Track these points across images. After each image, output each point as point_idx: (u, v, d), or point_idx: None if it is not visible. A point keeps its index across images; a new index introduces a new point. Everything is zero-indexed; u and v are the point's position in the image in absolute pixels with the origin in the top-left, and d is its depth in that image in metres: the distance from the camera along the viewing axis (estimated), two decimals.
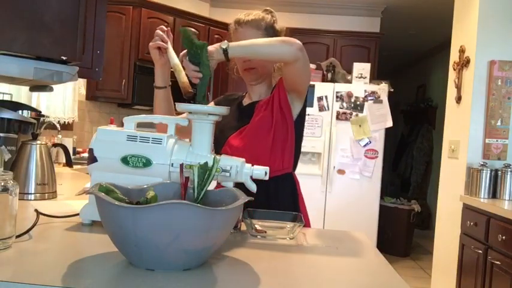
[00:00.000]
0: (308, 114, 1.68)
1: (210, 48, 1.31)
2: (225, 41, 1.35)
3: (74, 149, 3.95)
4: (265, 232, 1.26)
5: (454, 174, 3.33)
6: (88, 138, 4.34)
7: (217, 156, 1.13)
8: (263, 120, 1.57)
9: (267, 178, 1.21)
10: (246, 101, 1.71)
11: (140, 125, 1.22)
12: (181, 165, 1.04)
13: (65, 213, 1.27)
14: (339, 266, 1.08)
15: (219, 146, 1.62)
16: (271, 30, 1.62)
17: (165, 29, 1.46)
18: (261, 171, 1.23)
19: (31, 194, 1.60)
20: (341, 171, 4.20)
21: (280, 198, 1.56)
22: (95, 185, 0.94)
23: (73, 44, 1.55)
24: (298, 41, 1.44)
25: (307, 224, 1.56)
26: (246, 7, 5.09)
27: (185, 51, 1.32)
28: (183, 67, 1.34)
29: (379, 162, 4.20)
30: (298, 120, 1.61)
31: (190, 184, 1.03)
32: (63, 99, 4.08)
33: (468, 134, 3.16)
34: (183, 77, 1.33)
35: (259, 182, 1.30)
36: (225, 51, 1.32)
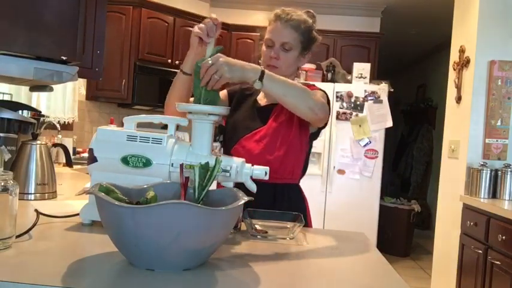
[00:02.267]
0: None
1: (247, 65, 1.30)
2: (259, 69, 1.31)
3: (74, 149, 3.95)
4: (265, 232, 1.26)
5: (454, 174, 3.33)
6: (88, 138, 4.33)
7: (219, 157, 1.13)
8: (281, 128, 1.55)
9: (267, 178, 1.20)
10: (261, 100, 1.67)
11: (140, 125, 1.22)
12: (181, 165, 1.04)
13: (65, 213, 1.27)
14: (338, 266, 1.08)
15: (230, 143, 1.60)
16: (307, 36, 1.57)
17: (218, 21, 1.36)
18: (261, 172, 1.23)
19: (31, 194, 1.60)
20: (341, 171, 4.20)
21: (286, 205, 1.53)
22: (95, 185, 0.94)
23: (73, 44, 1.55)
24: (327, 111, 1.46)
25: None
26: (246, 7, 5.11)
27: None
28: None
29: (379, 162, 4.20)
30: (312, 136, 1.61)
31: (190, 184, 1.03)
32: (63, 99, 4.08)
33: (468, 134, 3.16)
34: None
35: (266, 188, 1.30)
36: (261, 77, 1.29)
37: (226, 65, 1.22)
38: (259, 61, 1.64)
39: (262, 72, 1.30)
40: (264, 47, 1.59)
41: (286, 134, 1.55)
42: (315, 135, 1.63)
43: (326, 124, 1.57)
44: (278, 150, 1.53)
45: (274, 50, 1.54)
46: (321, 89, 1.58)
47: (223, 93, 1.70)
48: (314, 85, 1.62)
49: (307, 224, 1.59)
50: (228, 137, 1.64)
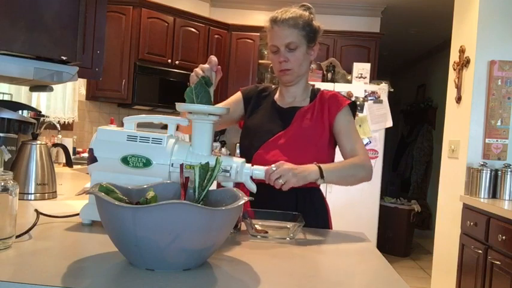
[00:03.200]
0: None
1: (307, 168, 1.34)
2: (317, 168, 1.36)
3: (74, 149, 3.95)
4: (266, 232, 1.26)
5: (454, 174, 3.33)
6: (88, 138, 4.34)
7: (219, 157, 1.13)
8: (308, 132, 1.54)
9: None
10: (281, 101, 1.64)
11: (140, 125, 1.22)
12: (182, 166, 1.04)
13: (65, 213, 1.27)
14: (338, 266, 1.08)
15: (252, 148, 1.55)
16: (308, 28, 1.55)
17: (218, 68, 1.35)
18: (261, 172, 1.23)
19: (31, 194, 1.60)
20: None
21: (308, 209, 1.51)
22: (95, 185, 0.94)
23: (73, 44, 1.55)
24: (369, 160, 1.53)
25: None
26: (246, 7, 5.11)
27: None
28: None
29: (379, 162, 4.20)
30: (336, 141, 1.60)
31: (190, 184, 1.03)
32: (63, 99, 4.08)
33: (468, 134, 3.16)
34: None
35: (288, 192, 1.32)
36: (321, 173, 1.36)
37: (290, 171, 1.28)
38: (269, 69, 1.63)
39: (320, 169, 1.36)
40: (271, 55, 1.58)
41: (314, 138, 1.53)
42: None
43: None
44: (305, 156, 1.48)
45: (281, 54, 1.53)
46: (349, 100, 1.59)
47: (237, 97, 1.68)
48: (345, 98, 1.60)
49: (328, 226, 1.58)
50: (247, 142, 1.59)
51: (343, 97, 1.60)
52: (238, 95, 1.69)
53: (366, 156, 1.54)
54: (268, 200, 1.41)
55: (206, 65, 1.32)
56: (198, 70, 1.32)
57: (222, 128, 1.57)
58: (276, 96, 1.66)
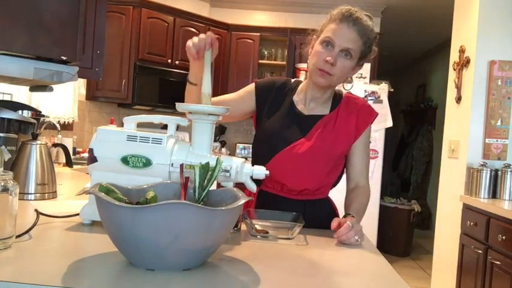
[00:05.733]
0: None
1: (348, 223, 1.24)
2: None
3: (74, 149, 3.95)
4: (266, 232, 1.26)
5: (454, 174, 3.33)
6: (88, 138, 4.34)
7: (220, 157, 1.13)
8: (325, 145, 1.43)
9: (264, 177, 1.20)
10: (300, 105, 1.49)
11: (140, 125, 1.22)
12: (182, 166, 1.04)
13: (65, 213, 1.27)
14: (338, 266, 1.08)
15: (265, 155, 1.44)
16: (368, 46, 1.43)
17: (214, 37, 1.29)
18: (261, 172, 1.22)
19: (31, 194, 1.60)
20: None
21: (315, 219, 1.41)
22: (95, 185, 0.94)
23: (73, 44, 1.55)
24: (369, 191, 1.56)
25: None
26: (246, 7, 5.10)
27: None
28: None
29: (379, 162, 4.20)
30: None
31: (190, 184, 1.03)
32: (63, 99, 4.08)
33: (468, 134, 3.16)
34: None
35: (296, 204, 1.31)
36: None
37: (361, 231, 1.28)
38: (308, 60, 1.45)
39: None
40: (319, 47, 1.39)
41: (329, 152, 1.44)
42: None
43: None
44: (320, 167, 1.43)
45: (332, 54, 1.36)
46: (375, 111, 1.54)
47: (250, 89, 1.54)
48: (373, 113, 1.54)
49: None
50: (262, 147, 1.48)
51: (371, 107, 1.53)
52: (251, 88, 1.54)
53: (368, 183, 1.56)
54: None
55: (202, 36, 1.27)
56: (195, 41, 1.27)
57: (229, 120, 1.49)
58: (295, 97, 1.51)
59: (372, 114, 1.52)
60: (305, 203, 1.48)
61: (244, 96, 1.53)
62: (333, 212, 1.55)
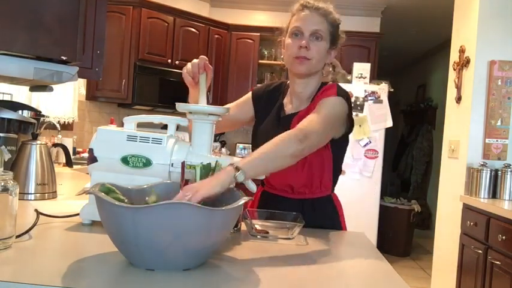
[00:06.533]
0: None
1: (221, 176, 1.04)
2: (233, 168, 1.06)
3: (74, 149, 3.95)
4: (266, 232, 1.26)
5: (454, 174, 3.33)
6: (88, 138, 4.33)
7: (219, 158, 1.13)
8: None
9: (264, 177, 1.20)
10: (288, 106, 1.50)
11: (140, 125, 1.22)
12: (183, 163, 1.04)
13: (65, 213, 1.27)
14: (339, 266, 1.08)
15: None
16: (335, 28, 1.45)
17: (207, 61, 1.29)
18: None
19: (31, 194, 1.60)
20: (341, 171, 4.20)
21: (314, 218, 1.42)
22: (95, 185, 0.94)
23: (73, 44, 1.55)
24: (320, 139, 1.29)
25: None
26: (246, 7, 5.10)
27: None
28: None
29: (379, 162, 4.19)
30: (336, 142, 1.45)
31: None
32: (63, 99, 4.08)
33: (468, 134, 3.16)
34: None
35: (293, 203, 1.27)
36: (237, 168, 1.07)
37: (194, 189, 1.00)
38: (283, 58, 1.46)
39: (237, 168, 1.06)
40: (288, 40, 1.42)
41: None
42: (341, 140, 1.48)
43: (351, 128, 1.46)
44: (299, 168, 1.40)
45: (304, 39, 1.38)
46: (338, 93, 1.39)
47: (247, 97, 1.58)
48: (334, 87, 1.42)
49: (341, 229, 1.51)
50: (253, 151, 1.43)
51: (335, 90, 1.40)
52: (248, 95, 1.59)
53: (310, 123, 1.27)
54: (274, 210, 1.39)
55: (195, 61, 1.28)
56: (189, 67, 1.29)
57: (228, 129, 1.47)
58: (285, 100, 1.53)
59: (331, 87, 1.41)
60: (303, 202, 1.47)
61: (242, 106, 1.59)
62: (334, 208, 1.54)
